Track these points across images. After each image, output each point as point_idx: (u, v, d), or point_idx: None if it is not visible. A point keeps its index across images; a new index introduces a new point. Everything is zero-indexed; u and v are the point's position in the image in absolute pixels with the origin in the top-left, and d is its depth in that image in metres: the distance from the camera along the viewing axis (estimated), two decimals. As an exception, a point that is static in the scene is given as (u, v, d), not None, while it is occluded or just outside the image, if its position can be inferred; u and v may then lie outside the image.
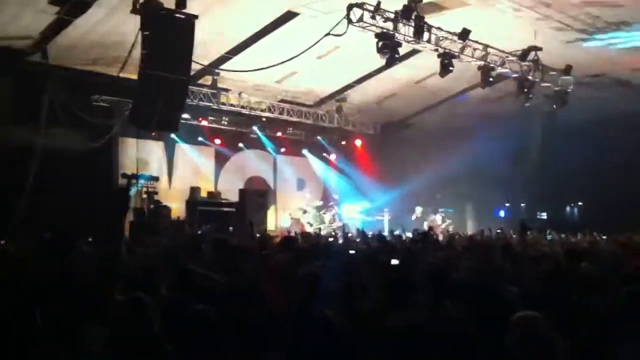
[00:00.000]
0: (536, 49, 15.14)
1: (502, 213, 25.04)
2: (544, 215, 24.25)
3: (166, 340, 4.13)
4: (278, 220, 22.64)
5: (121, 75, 14.15)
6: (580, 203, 23.46)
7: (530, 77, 16.07)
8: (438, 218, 22.14)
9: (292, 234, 16.40)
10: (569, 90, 16.65)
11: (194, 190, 19.07)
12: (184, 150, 20.90)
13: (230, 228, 15.41)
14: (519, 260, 7.82)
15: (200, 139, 20.67)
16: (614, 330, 4.44)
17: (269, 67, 13.94)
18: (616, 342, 4.27)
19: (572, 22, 13.93)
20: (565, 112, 17.51)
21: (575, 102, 17.00)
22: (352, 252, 9.08)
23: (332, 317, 4.41)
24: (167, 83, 11.45)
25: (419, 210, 22.31)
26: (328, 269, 6.87)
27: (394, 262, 7.19)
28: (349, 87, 19.36)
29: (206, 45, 13.84)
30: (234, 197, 19.52)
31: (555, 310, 4.68)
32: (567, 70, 16.11)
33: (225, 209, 18.63)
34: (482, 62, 15.29)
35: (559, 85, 16.62)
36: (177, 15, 11.30)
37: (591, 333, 4.56)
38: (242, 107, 19.43)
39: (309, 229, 19.66)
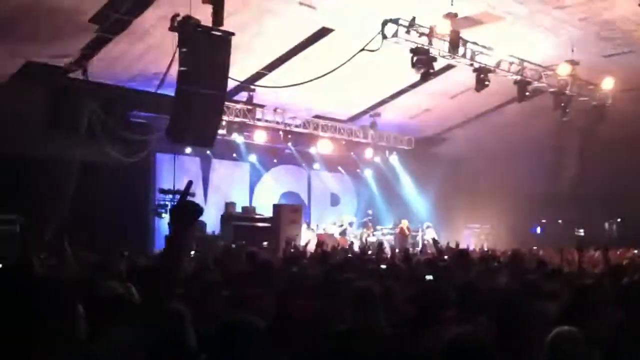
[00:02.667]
0: (573, 63, 14.97)
1: (538, 229, 24.69)
2: (582, 232, 23.82)
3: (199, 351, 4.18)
4: (311, 235, 22.63)
5: (159, 91, 14.40)
6: (619, 219, 22.98)
7: (567, 92, 15.90)
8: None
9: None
10: (607, 104, 16.43)
11: (229, 206, 19.21)
12: (220, 166, 21.08)
13: (265, 243, 15.48)
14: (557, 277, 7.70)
15: (235, 154, 20.83)
16: None
17: (303, 82, 14.03)
18: None
19: (610, 34, 13.75)
20: (604, 126, 17.27)
21: (613, 116, 16.75)
22: (383, 267, 9.08)
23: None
24: (203, 99, 11.61)
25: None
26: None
27: (428, 277, 7.19)
28: (384, 102, 19.36)
29: (242, 61, 13.98)
30: (268, 212, 19.60)
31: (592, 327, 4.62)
32: (605, 84, 15.89)
33: (260, 224, 18.72)
34: (518, 77, 15.19)
35: (596, 99, 16.40)
36: (214, 32, 11.46)
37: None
38: (277, 122, 19.59)
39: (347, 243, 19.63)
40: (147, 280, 2.60)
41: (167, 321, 4.29)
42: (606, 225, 23.35)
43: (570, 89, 15.87)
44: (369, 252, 12.71)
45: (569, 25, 13.37)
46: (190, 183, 2.88)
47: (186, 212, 2.69)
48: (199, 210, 2.68)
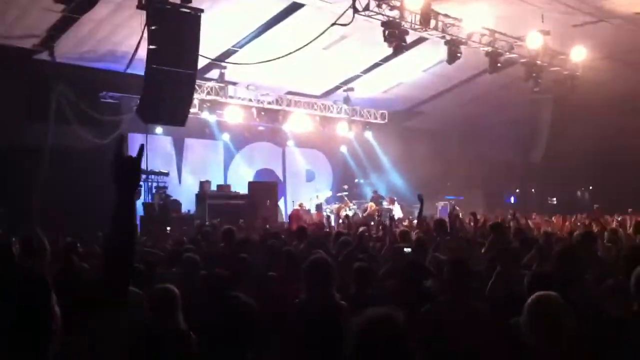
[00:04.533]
0: (544, 32, 15.02)
1: (512, 199, 25.01)
2: (554, 200, 24.19)
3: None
4: (288, 211, 22.64)
5: (128, 71, 14.17)
6: (590, 187, 23.36)
7: (538, 62, 15.97)
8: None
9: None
10: (578, 74, 16.56)
11: (204, 184, 19.08)
12: (193, 145, 20.91)
13: (241, 221, 15.43)
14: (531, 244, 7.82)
15: (208, 132, 20.66)
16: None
17: (275, 58, 13.90)
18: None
19: (579, 4, 13.80)
20: (575, 95, 17.42)
21: (584, 85, 16.90)
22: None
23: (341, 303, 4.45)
24: (174, 77, 11.49)
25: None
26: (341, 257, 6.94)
27: (407, 250, 7.26)
28: (357, 77, 19.29)
29: (212, 38, 13.80)
30: (243, 190, 19.53)
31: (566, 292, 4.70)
32: (575, 54, 15.99)
33: (235, 202, 18.64)
34: (489, 48, 15.21)
35: (567, 69, 16.51)
36: (183, 9, 11.29)
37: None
38: (249, 99, 19.44)
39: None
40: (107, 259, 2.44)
41: (157, 303, 4.27)
42: (578, 193, 23.71)
43: (541, 59, 15.93)
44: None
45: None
46: (120, 137, 2.72)
47: (127, 169, 2.53)
48: (137, 167, 2.52)
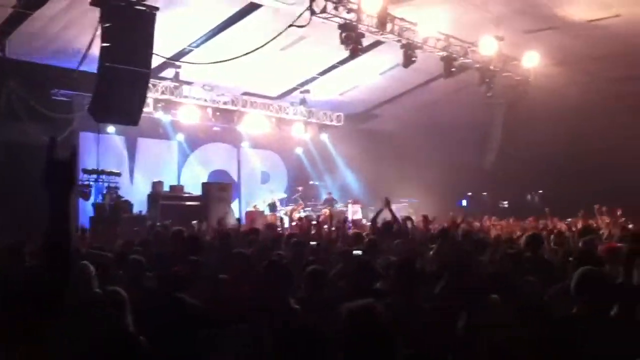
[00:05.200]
0: (497, 38, 15.26)
1: (464, 202, 25.33)
2: (506, 204, 24.60)
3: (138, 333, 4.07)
4: (242, 213, 22.49)
5: (81, 68, 13.88)
6: (540, 191, 23.83)
7: (491, 67, 16.22)
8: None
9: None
10: (530, 79, 16.87)
11: (156, 185, 18.79)
12: (146, 145, 20.58)
13: (193, 222, 15.24)
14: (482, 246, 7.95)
15: (162, 132, 20.36)
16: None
17: (231, 59, 13.77)
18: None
19: (532, 10, 14.05)
20: (527, 100, 17.75)
21: (535, 91, 17.23)
22: (313, 243, 9.15)
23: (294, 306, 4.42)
24: (127, 76, 11.27)
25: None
26: (291, 259, 6.91)
27: (357, 252, 7.31)
28: (313, 79, 19.29)
29: (168, 37, 13.61)
30: (197, 191, 19.32)
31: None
32: (528, 60, 16.29)
33: (188, 203, 18.41)
34: (444, 53, 15.38)
35: (520, 75, 16.81)
36: (138, 7, 11.10)
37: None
38: (205, 100, 19.25)
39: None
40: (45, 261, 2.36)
41: (106, 307, 4.16)
42: (528, 196, 24.16)
43: (494, 64, 16.19)
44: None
45: (493, 1, 13.58)
46: (52, 140, 2.60)
47: (59, 172, 2.44)
48: (69, 170, 2.43)
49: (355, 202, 21.22)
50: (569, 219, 15.00)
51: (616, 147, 20.35)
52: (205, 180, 20.93)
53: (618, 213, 13.07)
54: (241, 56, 13.55)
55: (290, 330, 3.68)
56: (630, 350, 3.80)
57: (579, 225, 11.69)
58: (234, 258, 6.38)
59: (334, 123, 23.14)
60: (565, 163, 21.14)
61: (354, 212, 21.08)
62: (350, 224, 19.02)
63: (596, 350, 3.54)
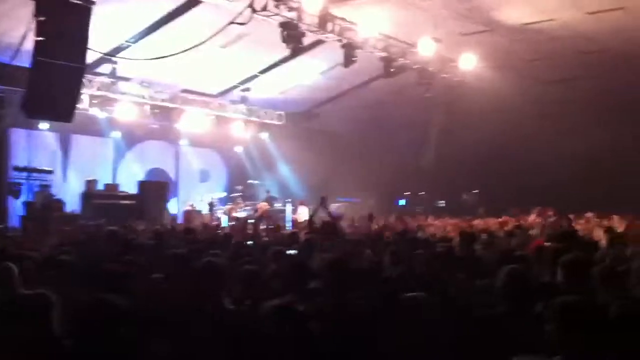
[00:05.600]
0: (435, 40, 15.49)
1: (402, 202, 25.65)
2: (443, 203, 25.02)
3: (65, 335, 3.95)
4: (179, 211, 22.20)
5: (14, 63, 13.42)
6: (475, 190, 24.32)
7: (429, 68, 16.46)
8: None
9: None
10: (467, 81, 17.20)
11: (90, 183, 18.35)
12: (80, 142, 20.07)
13: (129, 222, 14.96)
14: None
15: (97, 129, 19.86)
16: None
17: (170, 55, 13.56)
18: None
19: (469, 13, 14.31)
20: (464, 101, 18.09)
21: (473, 92, 17.58)
22: (249, 242, 9.15)
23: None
24: (61, 71, 10.95)
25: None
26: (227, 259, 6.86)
27: (291, 251, 7.34)
28: (254, 77, 19.16)
29: (105, 32, 13.29)
30: (133, 190, 18.97)
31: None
32: (465, 61, 16.59)
33: (123, 202, 18.05)
34: (384, 53, 15.52)
35: (457, 76, 17.11)
36: (73, 0, 10.79)
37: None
38: (143, 96, 18.87)
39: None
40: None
41: (29, 309, 4.01)
42: (464, 196, 24.63)
43: (432, 66, 16.42)
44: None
45: (432, 3, 13.77)
46: None
47: None
48: None
49: (302, 204, 21.17)
50: (501, 218, 15.43)
51: (548, 147, 20.96)
52: (142, 178, 20.57)
53: (549, 213, 13.50)
54: (180, 53, 13.35)
55: (224, 330, 3.65)
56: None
57: (511, 224, 12.02)
58: (168, 258, 6.28)
59: (275, 122, 23.07)
60: (500, 163, 21.65)
61: (301, 214, 21.05)
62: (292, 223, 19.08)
63: (518, 347, 3.62)
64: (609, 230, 10.37)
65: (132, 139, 21.28)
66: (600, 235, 10.06)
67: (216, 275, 4.49)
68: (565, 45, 16.10)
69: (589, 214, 14.70)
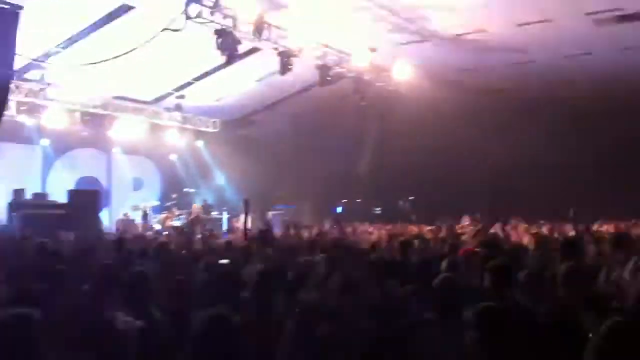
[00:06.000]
0: (371, 49, 15.68)
1: (339, 209, 25.77)
2: (379, 210, 25.28)
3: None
4: (111, 221, 21.71)
5: None
6: (411, 197, 24.66)
7: (365, 77, 16.63)
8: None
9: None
10: (401, 90, 17.46)
11: (17, 192, 17.73)
12: (6, 150, 19.38)
13: (60, 233, 14.52)
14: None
15: (25, 136, 19.23)
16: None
17: (102, 61, 13.30)
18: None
19: (405, 23, 14.53)
20: (399, 110, 18.35)
21: (408, 101, 17.85)
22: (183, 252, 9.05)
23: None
24: (-14, 76, 10.58)
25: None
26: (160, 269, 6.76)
27: (223, 261, 7.29)
28: (189, 84, 18.93)
29: (34, 37, 12.90)
30: (63, 199, 18.43)
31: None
32: (400, 71, 16.84)
33: (53, 212, 17.50)
34: (320, 62, 15.61)
35: (392, 85, 17.35)
36: (0, 6, 10.44)
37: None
38: (73, 103, 18.39)
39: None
40: None
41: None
42: (400, 203, 24.94)
43: (368, 75, 16.60)
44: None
45: (368, 13, 13.92)
46: None
47: None
48: None
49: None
50: (434, 225, 15.71)
51: (481, 155, 21.49)
52: (72, 187, 20.02)
53: (479, 219, 13.82)
54: (112, 58, 13.11)
55: (154, 341, 3.59)
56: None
57: (443, 230, 12.26)
58: (98, 269, 6.12)
59: (210, 129, 22.87)
60: (434, 170, 22.04)
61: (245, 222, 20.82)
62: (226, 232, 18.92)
63: (444, 352, 3.70)
64: (536, 235, 10.68)
65: (62, 146, 20.71)
66: (527, 241, 10.35)
67: (144, 285, 4.40)
68: (496, 56, 16.54)
69: (518, 220, 15.12)
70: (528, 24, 14.21)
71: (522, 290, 5.08)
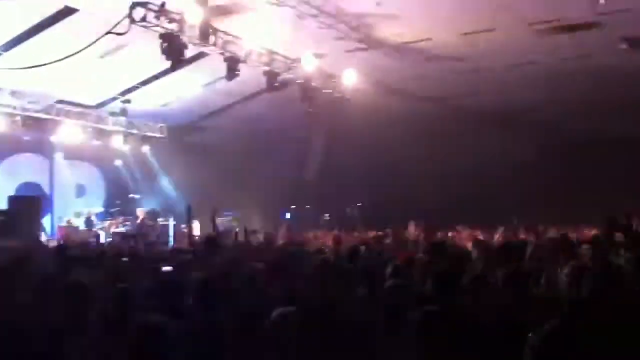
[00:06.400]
0: (318, 56, 15.74)
1: (288, 215, 25.76)
2: (327, 216, 25.36)
3: None
4: (54, 228, 21.20)
5: None
6: (359, 204, 24.82)
7: (312, 84, 16.68)
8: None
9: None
10: (348, 97, 17.58)
11: (-47, 200, 17.17)
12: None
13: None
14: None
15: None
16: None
17: (44, 64, 13.00)
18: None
19: (351, 32, 14.64)
20: (347, 117, 18.47)
21: (356, 108, 17.98)
22: (124, 259, 8.92)
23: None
24: None
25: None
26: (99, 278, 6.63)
27: (167, 268, 7.21)
28: (134, 88, 18.64)
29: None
30: (2, 205, 17.92)
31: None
32: (346, 78, 16.96)
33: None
34: (267, 68, 15.59)
35: (339, 92, 17.46)
36: None
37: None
38: (14, 107, 17.90)
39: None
40: None
41: None
42: (348, 210, 25.09)
43: (315, 81, 16.65)
44: None
45: (315, 19, 13.97)
46: None
47: None
48: None
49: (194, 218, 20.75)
50: (381, 231, 15.86)
51: (427, 162, 21.81)
52: (12, 193, 19.47)
53: (424, 225, 14.02)
54: (55, 62, 12.84)
55: (92, 350, 3.52)
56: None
57: (389, 236, 12.41)
58: (35, 278, 5.96)
59: (157, 135, 22.57)
60: (382, 177, 22.29)
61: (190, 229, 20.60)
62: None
63: (389, 357, 3.73)
64: (477, 241, 10.87)
65: (2, 152, 20.14)
66: (471, 246, 10.53)
67: (83, 294, 4.31)
68: (442, 65, 16.81)
69: (462, 226, 15.39)
70: (472, 33, 14.49)
71: (465, 294, 5.17)
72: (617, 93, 18.58)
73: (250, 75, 15.62)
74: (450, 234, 14.46)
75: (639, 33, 14.02)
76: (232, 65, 14.36)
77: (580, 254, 7.86)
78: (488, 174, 21.18)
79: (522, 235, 13.08)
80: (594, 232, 14.31)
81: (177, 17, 12.44)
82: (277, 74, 15.83)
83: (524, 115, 20.75)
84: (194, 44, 13.32)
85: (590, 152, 21.63)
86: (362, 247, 9.96)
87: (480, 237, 12.54)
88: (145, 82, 18.08)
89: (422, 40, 15.29)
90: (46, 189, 22.01)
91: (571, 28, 13.87)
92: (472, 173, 21.11)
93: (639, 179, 20.21)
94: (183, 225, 20.64)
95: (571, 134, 22.31)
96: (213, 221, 10.29)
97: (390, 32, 14.77)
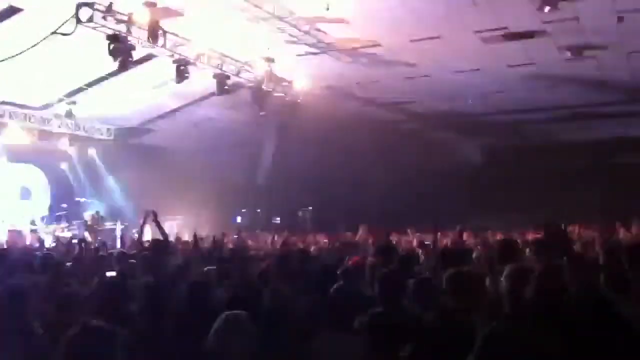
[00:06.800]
0: (269, 60, 15.74)
1: (239, 219, 25.65)
2: (278, 220, 25.36)
3: None
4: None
5: None
6: (310, 208, 24.88)
7: (263, 87, 16.66)
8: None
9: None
10: (299, 101, 17.62)
11: None
12: None
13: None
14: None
15: None
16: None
17: (-15, 64, 12.65)
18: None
19: (303, 35, 14.67)
20: (299, 121, 18.50)
21: (307, 111, 18.04)
22: (68, 263, 8.76)
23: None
24: None
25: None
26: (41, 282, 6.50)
27: (110, 273, 7.13)
28: (81, 90, 18.27)
29: None
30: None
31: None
32: (297, 82, 17.01)
33: None
34: (217, 70, 15.49)
35: (290, 96, 17.49)
36: None
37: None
38: (-46, 107, 17.41)
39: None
40: None
41: None
42: (299, 213, 25.15)
43: (266, 85, 16.63)
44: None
45: (267, 23, 13.95)
46: None
47: None
48: None
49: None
50: (332, 235, 15.92)
51: (379, 166, 22.01)
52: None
53: (375, 229, 14.10)
54: (-2, 62, 12.50)
55: (32, 356, 3.45)
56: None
57: (339, 240, 12.46)
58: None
59: (104, 137, 22.19)
60: (333, 181, 22.38)
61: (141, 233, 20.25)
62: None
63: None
64: (424, 245, 11.05)
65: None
66: (418, 250, 10.68)
67: (20, 299, 4.22)
68: (391, 70, 17.00)
69: (411, 230, 15.55)
70: (420, 40, 14.70)
71: (411, 298, 5.23)
72: (562, 99, 19.12)
73: (201, 78, 15.53)
74: (399, 237, 14.56)
75: (582, 41, 14.41)
76: (182, 68, 14.24)
77: (525, 257, 8.01)
78: (438, 178, 21.50)
79: (469, 239, 13.27)
80: (538, 235, 14.61)
81: (125, 17, 12.26)
82: (228, 77, 15.75)
83: (472, 119, 21.15)
84: (143, 46, 13.15)
85: (538, 157, 22.20)
86: (312, 250, 9.99)
87: (428, 241, 12.67)
88: (92, 84, 17.75)
89: (372, 46, 15.43)
90: (-12, 193, 21.40)
91: (517, 36, 14.18)
92: (423, 176, 21.39)
93: (586, 183, 20.84)
94: (134, 230, 20.34)
95: (518, 139, 22.85)
96: (159, 225, 10.07)
97: (339, 36, 14.86)
